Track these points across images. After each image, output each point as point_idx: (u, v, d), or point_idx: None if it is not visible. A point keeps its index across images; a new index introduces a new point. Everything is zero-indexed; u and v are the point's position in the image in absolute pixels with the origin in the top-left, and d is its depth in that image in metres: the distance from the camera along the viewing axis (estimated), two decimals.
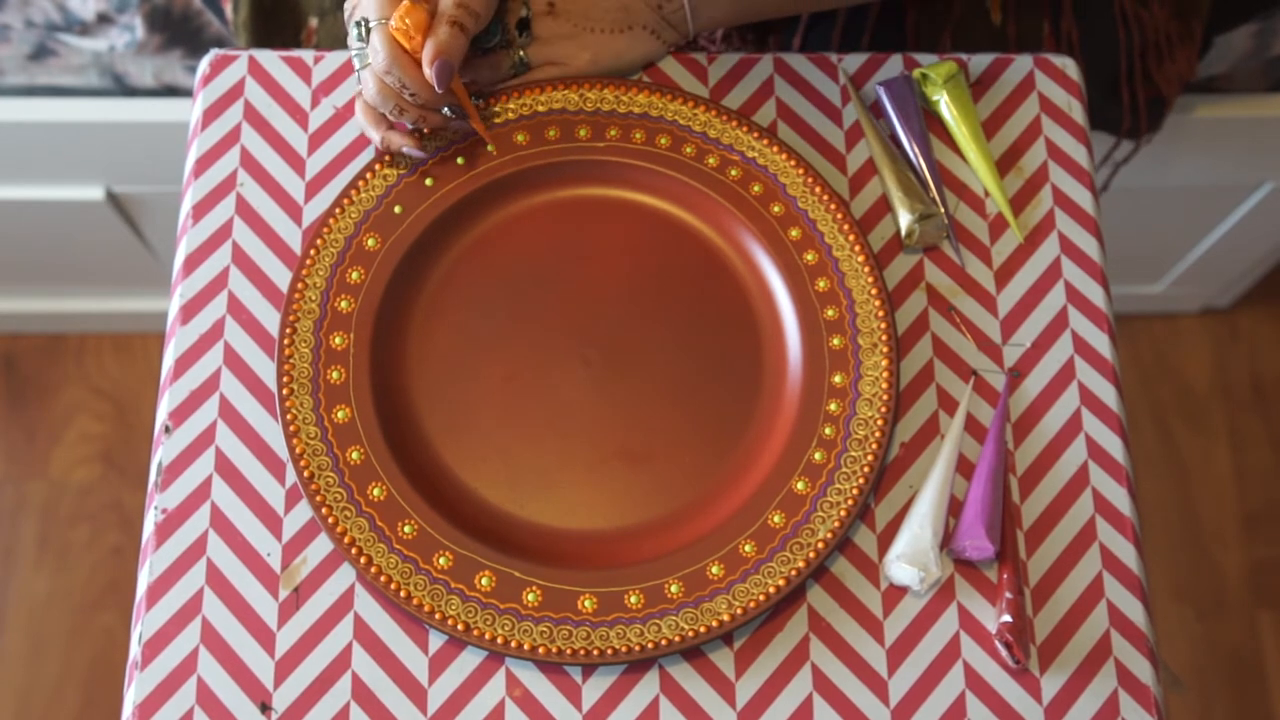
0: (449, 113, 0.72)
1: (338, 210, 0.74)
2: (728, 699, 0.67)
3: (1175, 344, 1.64)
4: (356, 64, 0.70)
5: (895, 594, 0.69)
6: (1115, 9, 0.93)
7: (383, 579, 0.66)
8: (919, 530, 0.69)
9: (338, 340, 0.71)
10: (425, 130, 0.73)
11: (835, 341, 0.72)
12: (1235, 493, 1.57)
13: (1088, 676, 0.68)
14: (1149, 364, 1.63)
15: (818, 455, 0.70)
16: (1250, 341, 1.64)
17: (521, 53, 0.76)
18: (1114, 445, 0.72)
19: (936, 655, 0.68)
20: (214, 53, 0.79)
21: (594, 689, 0.67)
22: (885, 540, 0.70)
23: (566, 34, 0.76)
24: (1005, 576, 0.69)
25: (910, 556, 0.68)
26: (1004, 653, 0.67)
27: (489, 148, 0.75)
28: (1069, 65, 0.80)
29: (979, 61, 0.80)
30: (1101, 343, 0.74)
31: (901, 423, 0.72)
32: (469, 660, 0.67)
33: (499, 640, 0.66)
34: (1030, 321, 0.74)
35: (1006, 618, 0.67)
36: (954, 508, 0.70)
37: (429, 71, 0.68)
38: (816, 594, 0.69)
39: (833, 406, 0.71)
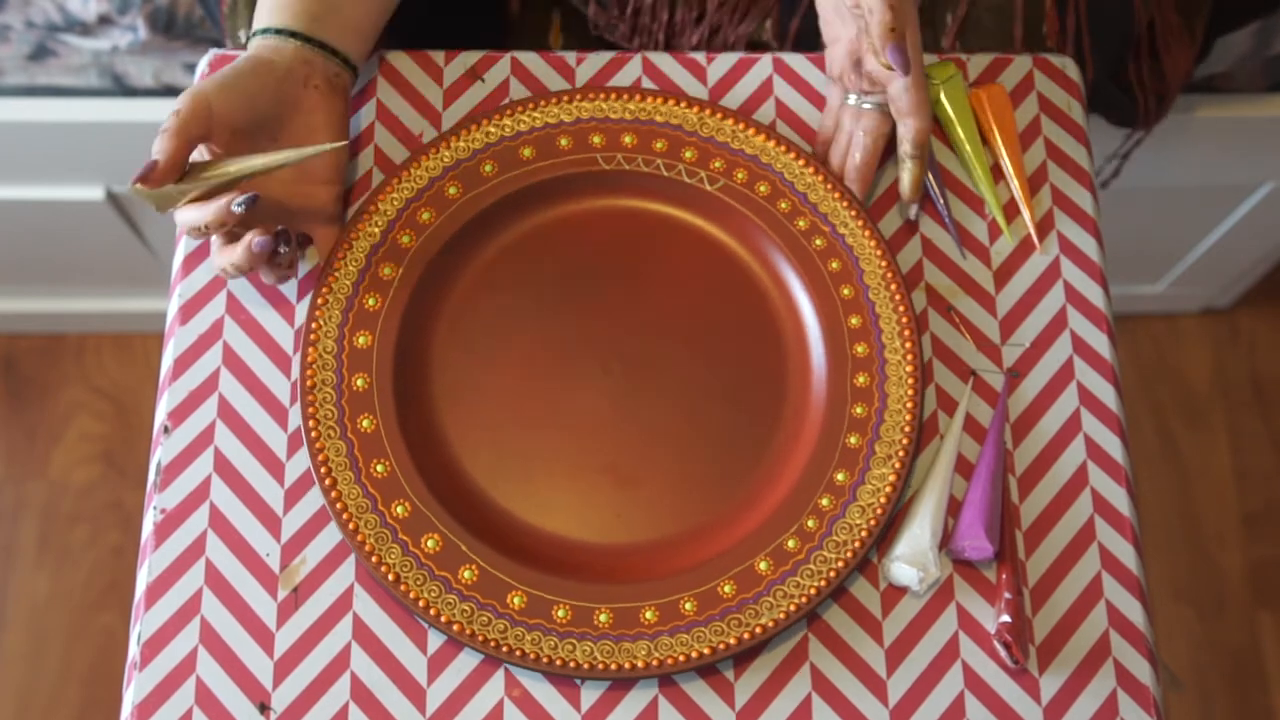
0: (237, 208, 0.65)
1: (365, 217, 0.73)
2: (726, 699, 0.67)
3: (1175, 344, 1.64)
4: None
5: (894, 594, 0.69)
6: None
7: (389, 576, 0.66)
8: (918, 530, 0.69)
9: (361, 339, 0.71)
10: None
11: (860, 380, 0.72)
12: (1235, 493, 1.57)
13: (1087, 677, 0.68)
14: (1149, 364, 1.63)
15: (840, 476, 0.70)
16: (1250, 341, 1.64)
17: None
18: (1113, 445, 0.72)
19: (935, 655, 0.68)
20: (213, 52, 0.79)
21: (593, 690, 0.67)
22: (885, 540, 0.70)
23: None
24: (1004, 577, 0.69)
25: (909, 557, 0.68)
26: (1003, 653, 0.67)
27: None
28: (1069, 65, 0.80)
29: (978, 61, 0.80)
30: (1101, 343, 0.74)
31: None
32: (468, 661, 0.67)
33: (490, 643, 0.66)
34: (1029, 321, 0.74)
35: (1005, 618, 0.67)
36: (953, 508, 0.70)
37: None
38: None
39: (852, 440, 0.70)
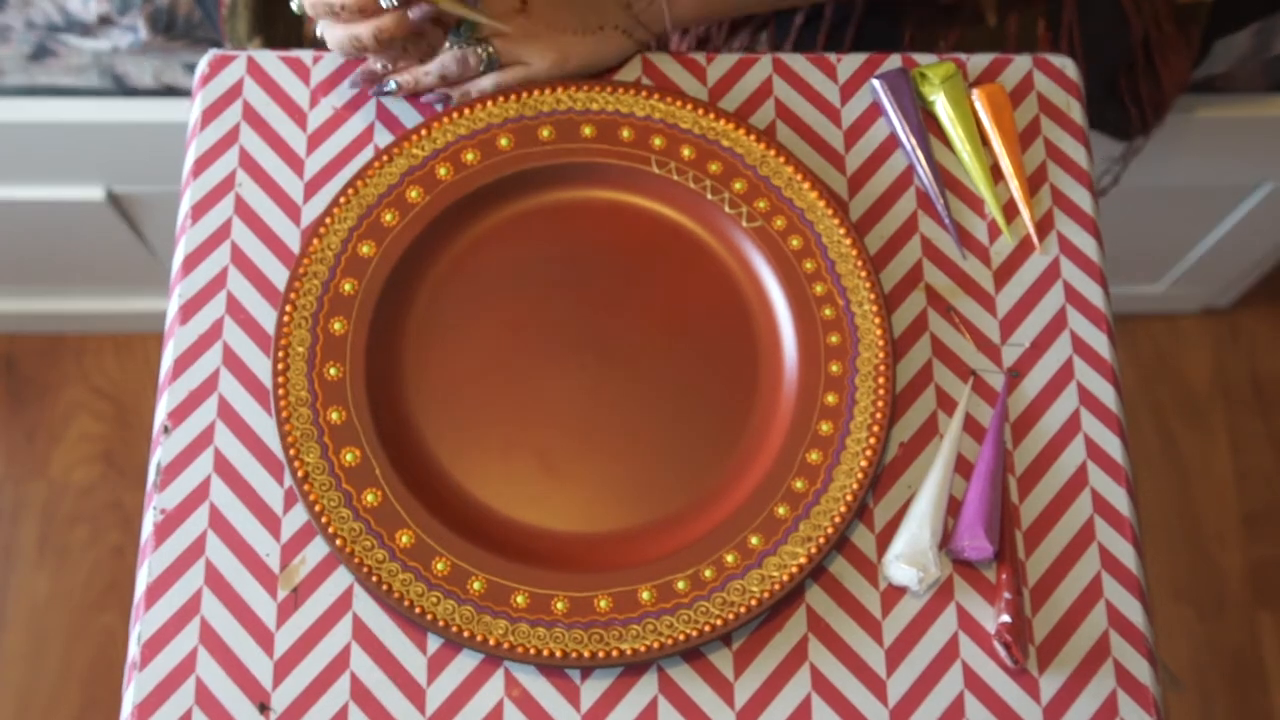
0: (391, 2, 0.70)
1: (335, 210, 0.73)
2: (726, 699, 0.67)
3: (1175, 344, 1.64)
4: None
5: (894, 594, 0.69)
6: (1120, 3, 0.93)
7: (383, 587, 0.66)
8: (918, 530, 0.69)
9: (333, 371, 0.71)
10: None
11: (833, 339, 0.72)
12: (1235, 493, 1.57)
13: (1086, 677, 0.68)
14: (1149, 364, 1.63)
15: (813, 455, 0.70)
16: (1250, 341, 1.64)
17: (490, 49, 0.75)
18: (1113, 445, 0.72)
19: (935, 655, 0.68)
20: (213, 53, 0.79)
21: (593, 690, 0.67)
22: (884, 540, 0.70)
23: (536, 34, 0.75)
24: (1004, 577, 0.69)
25: (909, 556, 0.68)
26: (1003, 653, 0.67)
27: (493, 25, 0.74)
28: (1068, 65, 0.80)
29: (978, 62, 0.80)
30: (1100, 343, 0.74)
31: (900, 423, 0.72)
32: (467, 661, 0.67)
33: (491, 642, 0.66)
34: (1029, 321, 0.74)
35: (1005, 618, 0.67)
36: (953, 508, 0.70)
37: None
38: (815, 594, 0.69)
39: (825, 427, 0.71)
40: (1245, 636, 1.51)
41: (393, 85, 0.76)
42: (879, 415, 0.71)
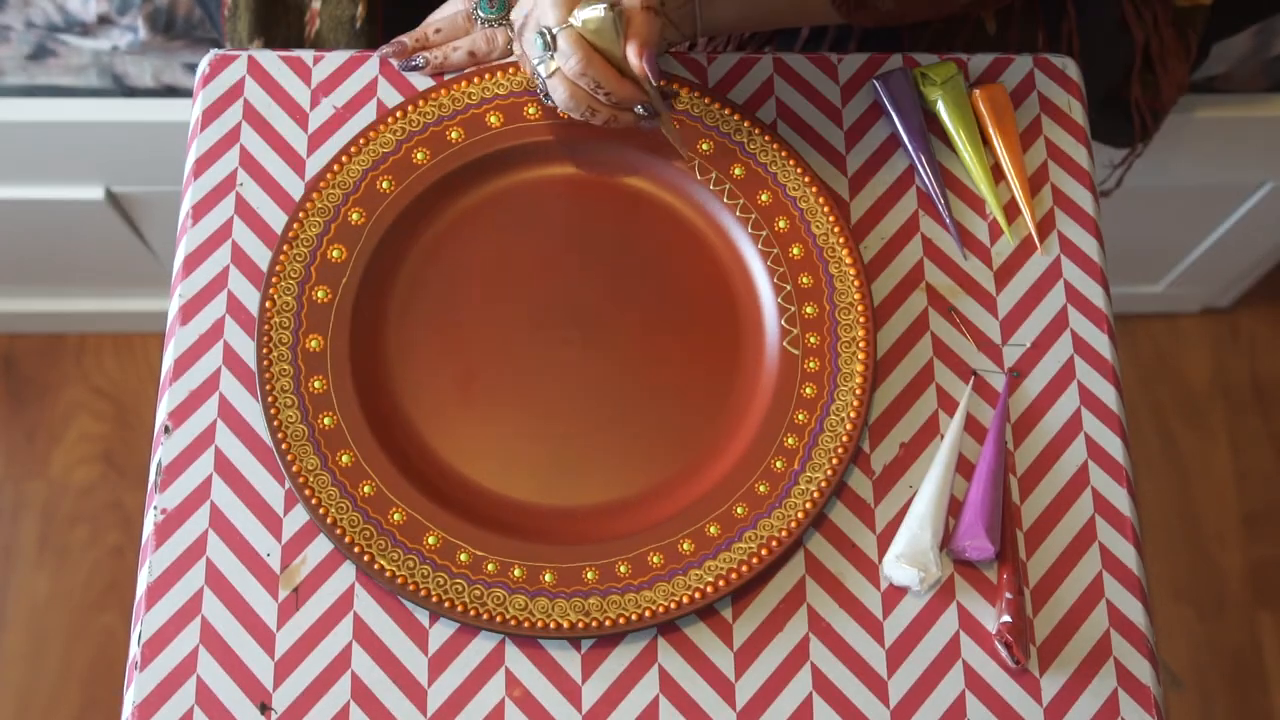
0: (641, 110, 0.70)
1: (314, 193, 0.74)
2: (727, 699, 0.67)
3: (1175, 344, 1.64)
4: (542, 72, 0.69)
5: (895, 594, 0.69)
6: (1120, 11, 0.93)
7: (383, 571, 0.67)
8: (918, 530, 0.69)
9: (313, 343, 0.71)
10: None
11: (808, 310, 0.73)
12: (1235, 493, 1.57)
13: (1087, 677, 0.68)
14: (1149, 364, 1.63)
15: (792, 435, 0.71)
16: (1250, 341, 1.64)
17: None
18: (1114, 445, 0.72)
19: (936, 655, 0.68)
20: (214, 53, 0.79)
21: (594, 690, 0.67)
22: (885, 540, 0.70)
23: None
24: (1005, 577, 0.69)
25: (910, 556, 0.68)
26: (1004, 653, 0.67)
27: (683, 153, 0.75)
28: (1069, 65, 0.80)
29: (978, 62, 0.80)
30: (1101, 343, 0.74)
31: (901, 423, 0.72)
32: (469, 661, 0.67)
33: (490, 617, 0.66)
34: (1030, 322, 0.74)
35: (1006, 618, 0.67)
36: (954, 508, 0.70)
37: (639, 63, 0.66)
38: (816, 594, 0.69)
39: (808, 391, 0.71)
40: (1245, 636, 1.51)
41: (420, 61, 0.77)
42: (860, 373, 0.71)
